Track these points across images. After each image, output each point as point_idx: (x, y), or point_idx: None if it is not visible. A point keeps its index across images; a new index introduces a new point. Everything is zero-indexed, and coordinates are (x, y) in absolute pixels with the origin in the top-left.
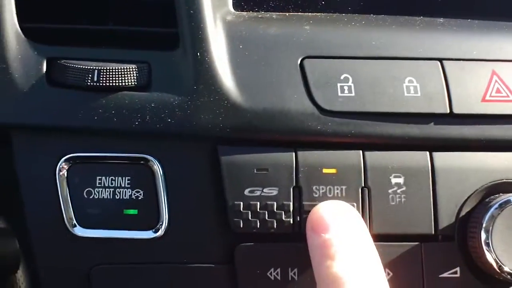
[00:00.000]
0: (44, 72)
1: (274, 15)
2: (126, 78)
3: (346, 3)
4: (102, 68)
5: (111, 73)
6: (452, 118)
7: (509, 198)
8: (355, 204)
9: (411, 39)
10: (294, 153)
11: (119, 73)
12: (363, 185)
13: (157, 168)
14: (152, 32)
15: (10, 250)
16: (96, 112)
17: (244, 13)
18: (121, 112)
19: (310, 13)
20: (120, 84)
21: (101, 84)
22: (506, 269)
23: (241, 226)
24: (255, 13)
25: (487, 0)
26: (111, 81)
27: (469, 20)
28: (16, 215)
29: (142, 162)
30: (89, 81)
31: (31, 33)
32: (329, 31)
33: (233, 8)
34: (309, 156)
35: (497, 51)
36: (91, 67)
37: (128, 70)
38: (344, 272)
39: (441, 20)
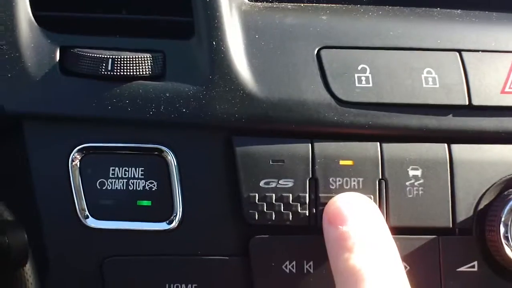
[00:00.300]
0: (57, 60)
1: (290, 5)
2: (140, 67)
3: None
4: (116, 57)
5: (125, 62)
6: (470, 110)
7: None
8: (372, 197)
9: (429, 29)
10: (310, 145)
11: (133, 62)
12: (380, 177)
13: (171, 158)
14: (166, 21)
15: (18, 243)
16: (109, 102)
17: (259, 3)
18: (135, 101)
19: (325, 4)
20: (134, 73)
21: (115, 73)
22: None
23: (256, 218)
24: (269, 4)
25: None
26: (125, 70)
27: (487, 12)
28: (24, 207)
29: (156, 152)
30: (103, 70)
31: (44, 22)
32: (346, 21)
33: None
34: (325, 148)
35: None
36: (105, 56)
37: (143, 59)
38: (362, 265)
39: (459, 11)
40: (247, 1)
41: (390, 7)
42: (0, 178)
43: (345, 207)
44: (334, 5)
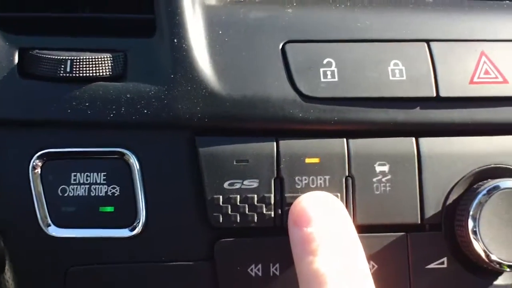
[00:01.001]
0: (16, 63)
1: None
2: (100, 68)
3: None
4: (75, 58)
5: (84, 63)
6: (438, 102)
7: (497, 183)
8: (339, 195)
9: (397, 20)
10: (275, 143)
11: (93, 63)
12: (347, 174)
13: (134, 162)
14: (128, 19)
15: None
16: (69, 104)
17: None
18: (95, 103)
19: None
20: (94, 74)
21: (74, 74)
22: (494, 257)
23: (221, 221)
24: None
25: None
26: (84, 72)
27: None
28: None
29: (118, 156)
30: (62, 72)
31: (2, 23)
32: (313, 14)
33: None
34: (291, 145)
35: (487, 30)
36: (64, 57)
37: (103, 59)
38: (325, 268)
39: (431, 0)
40: None
41: None
42: None
43: (310, 208)
44: None
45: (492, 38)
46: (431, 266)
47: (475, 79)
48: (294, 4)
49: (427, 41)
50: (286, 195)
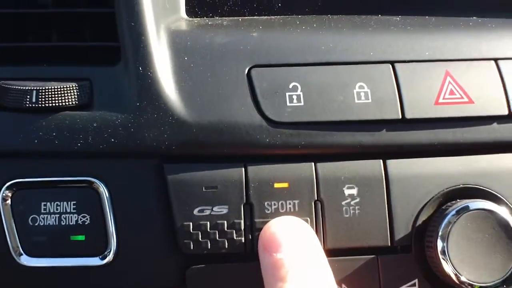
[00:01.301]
0: None
1: (226, 21)
2: (66, 97)
3: (303, 4)
4: (41, 88)
5: (50, 93)
6: (404, 123)
7: (467, 204)
8: (308, 219)
9: (362, 42)
10: (243, 168)
11: (59, 92)
12: (316, 198)
13: (103, 190)
14: (93, 47)
15: None
16: (36, 135)
17: (196, 19)
18: (62, 133)
19: (264, 16)
20: (60, 104)
21: (40, 105)
22: (463, 278)
23: (192, 247)
24: (207, 19)
25: None
26: (50, 102)
27: (426, 17)
28: None
29: (86, 185)
30: (28, 102)
31: None
32: (277, 37)
33: (187, 14)
34: (259, 171)
35: (451, 50)
36: (29, 88)
37: (68, 89)
38: None
39: (398, 18)
40: (185, 17)
41: (328, 17)
42: None
43: (279, 233)
44: (273, 17)
45: (456, 57)
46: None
47: (440, 100)
48: (260, 27)
49: (392, 62)
50: (255, 220)
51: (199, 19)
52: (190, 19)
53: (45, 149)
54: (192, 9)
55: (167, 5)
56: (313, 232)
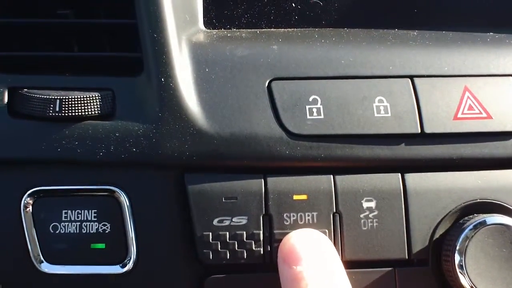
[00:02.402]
0: (5, 102)
1: (244, 33)
2: (89, 107)
3: (319, 18)
4: (64, 97)
5: (73, 102)
6: (423, 138)
7: (484, 219)
8: (326, 231)
9: (381, 56)
10: (263, 180)
11: (82, 102)
12: (334, 210)
13: (124, 199)
14: (115, 57)
15: None
16: (59, 143)
17: (215, 31)
18: (85, 142)
19: (282, 29)
20: (83, 113)
21: (63, 114)
22: None
23: (211, 257)
24: (226, 31)
25: (462, 10)
26: (73, 111)
27: (443, 32)
28: None
29: (108, 193)
30: (51, 111)
31: None
32: (298, 50)
33: (204, 26)
34: (279, 183)
35: (470, 66)
36: (53, 97)
37: (91, 98)
38: None
39: (415, 33)
40: (203, 28)
41: (346, 30)
42: None
43: (299, 246)
44: (290, 29)
45: (475, 73)
46: None
47: (459, 115)
48: (280, 40)
49: (411, 77)
50: (274, 231)
51: (217, 30)
52: (209, 30)
53: (67, 157)
54: (210, 21)
55: (187, 17)
56: (332, 245)
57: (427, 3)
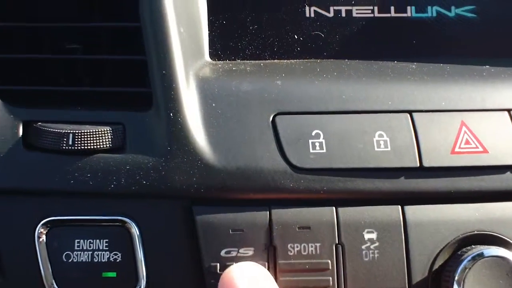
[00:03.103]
0: (20, 135)
1: (249, 66)
2: (100, 140)
3: (321, 49)
4: (77, 131)
5: (86, 136)
6: (422, 171)
7: (482, 251)
8: (329, 262)
9: (381, 91)
10: (268, 212)
11: (94, 136)
12: (337, 241)
13: (134, 229)
14: (125, 92)
15: None
16: (72, 176)
17: (220, 63)
18: (97, 175)
19: (285, 60)
20: (95, 146)
21: (76, 147)
22: None
23: None
24: (231, 62)
25: (460, 40)
26: (86, 144)
27: (441, 64)
28: None
29: (119, 224)
30: (64, 145)
31: (6, 95)
32: (301, 85)
33: (210, 57)
34: (283, 214)
35: (466, 100)
36: (66, 131)
37: (103, 132)
38: None
39: (414, 65)
40: (209, 59)
41: (347, 62)
42: None
43: (237, 277)
44: (293, 61)
45: (471, 107)
46: None
47: (456, 149)
48: (283, 74)
49: (410, 112)
50: (279, 261)
51: (222, 62)
52: (214, 62)
53: (80, 189)
54: (215, 53)
55: (194, 50)
56: (270, 277)
57: (425, 35)
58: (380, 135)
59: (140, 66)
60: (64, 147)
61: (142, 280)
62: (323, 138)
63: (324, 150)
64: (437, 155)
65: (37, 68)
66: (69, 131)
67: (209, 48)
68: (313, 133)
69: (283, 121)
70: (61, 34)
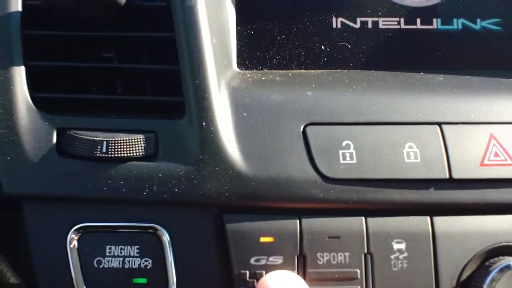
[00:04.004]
0: (54, 143)
1: (278, 77)
2: (134, 148)
3: (347, 60)
4: (111, 139)
5: (119, 144)
6: (451, 183)
7: (509, 262)
8: (358, 271)
9: (410, 103)
10: (298, 221)
11: (127, 144)
12: (366, 251)
13: (165, 236)
14: (158, 101)
15: None
16: (105, 183)
17: (248, 72)
18: (130, 182)
19: (312, 70)
20: (128, 154)
21: (109, 155)
22: None
23: None
24: (259, 72)
25: (486, 53)
26: (119, 152)
27: (468, 77)
28: (28, 273)
29: (150, 230)
30: (98, 152)
31: (41, 102)
32: (331, 96)
33: (237, 67)
34: (313, 223)
35: (495, 113)
36: (100, 139)
37: (136, 140)
38: None
39: (441, 78)
40: (237, 69)
41: (374, 73)
42: (7, 242)
43: (274, 287)
44: (321, 71)
45: (500, 120)
46: None
47: (486, 161)
48: (313, 85)
49: (439, 124)
50: (308, 270)
51: (250, 72)
52: (242, 71)
53: (113, 196)
54: (243, 62)
55: (224, 61)
56: (306, 285)
57: (451, 47)
58: (410, 147)
59: (171, 75)
60: (98, 155)
61: (172, 287)
62: (353, 149)
63: (354, 161)
64: (466, 167)
65: (70, 76)
66: (103, 139)
67: (237, 57)
68: (344, 144)
69: (314, 131)
70: (95, 42)
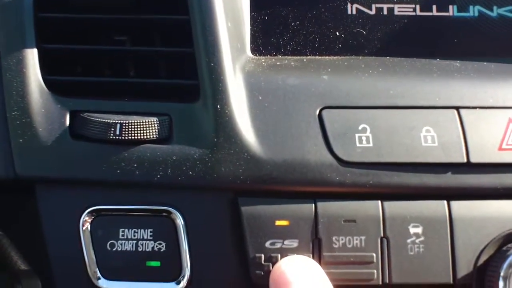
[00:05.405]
0: (67, 125)
1: (292, 61)
2: (147, 131)
3: (362, 46)
4: (124, 122)
5: (133, 126)
6: (469, 167)
7: None
8: (374, 255)
9: (428, 87)
10: (314, 205)
11: (141, 126)
12: (382, 235)
13: (179, 220)
14: (172, 84)
15: None
16: (118, 165)
17: (262, 58)
18: (143, 165)
19: (327, 57)
20: (142, 137)
21: (123, 137)
22: None
23: (263, 278)
24: (273, 58)
25: (503, 41)
26: (133, 135)
27: (485, 63)
28: (39, 260)
29: (164, 214)
30: (112, 134)
31: (54, 85)
32: (347, 80)
33: (251, 52)
34: (328, 207)
35: None
36: (113, 121)
37: (150, 123)
38: None
39: (458, 63)
40: (251, 55)
41: (390, 60)
42: (17, 229)
43: (289, 272)
44: (336, 57)
45: None
46: None
47: (504, 146)
48: (329, 69)
49: (457, 108)
50: (324, 254)
51: (265, 58)
52: (256, 57)
53: (126, 179)
54: (257, 48)
55: (238, 45)
56: (322, 270)
57: (467, 34)
58: (428, 131)
59: (185, 59)
60: (111, 137)
61: (186, 269)
62: (369, 132)
63: (371, 144)
64: (484, 151)
65: (83, 59)
66: (116, 121)
67: (251, 43)
68: (360, 127)
69: (330, 115)
70: (108, 26)
